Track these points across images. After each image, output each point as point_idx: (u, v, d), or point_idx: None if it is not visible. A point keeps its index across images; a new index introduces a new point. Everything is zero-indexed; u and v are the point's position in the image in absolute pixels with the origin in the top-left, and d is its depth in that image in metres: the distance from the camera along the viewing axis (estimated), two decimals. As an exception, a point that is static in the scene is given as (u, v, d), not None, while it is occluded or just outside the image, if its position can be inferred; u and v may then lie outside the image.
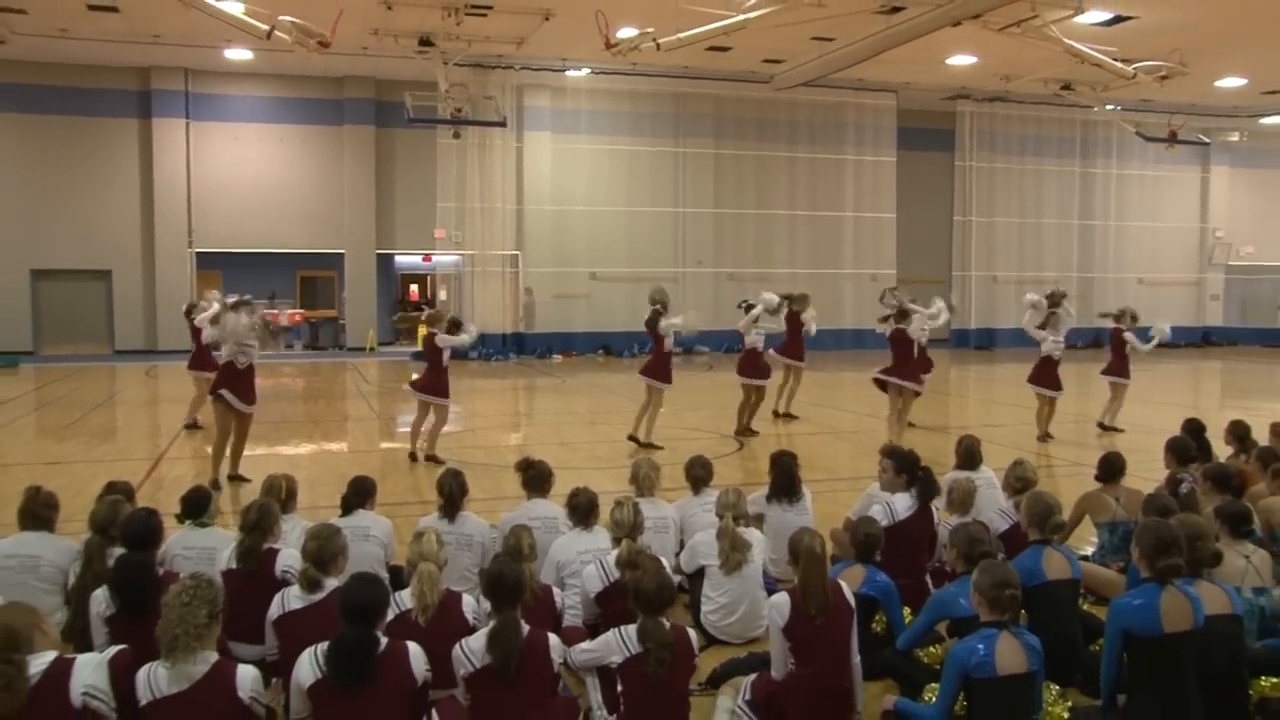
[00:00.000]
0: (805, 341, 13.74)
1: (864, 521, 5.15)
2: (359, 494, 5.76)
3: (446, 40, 19.84)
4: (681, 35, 17.26)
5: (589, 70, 24.61)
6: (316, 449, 12.02)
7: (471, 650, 3.85)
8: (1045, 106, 28.17)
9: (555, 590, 4.99)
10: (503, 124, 23.08)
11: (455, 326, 10.97)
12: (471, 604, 4.49)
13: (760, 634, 5.22)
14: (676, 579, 5.39)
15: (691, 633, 4.22)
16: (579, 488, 5.67)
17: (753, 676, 4.44)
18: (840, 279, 27.91)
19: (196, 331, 12.02)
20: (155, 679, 3.47)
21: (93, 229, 24.20)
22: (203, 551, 5.17)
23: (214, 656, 3.56)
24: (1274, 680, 4.42)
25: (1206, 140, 26.98)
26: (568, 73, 24.79)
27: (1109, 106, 25.55)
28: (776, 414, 13.59)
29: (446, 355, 10.72)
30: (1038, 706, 4.00)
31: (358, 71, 24.43)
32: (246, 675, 3.57)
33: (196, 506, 5.41)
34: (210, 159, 24.73)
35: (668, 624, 4.07)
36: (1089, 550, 6.58)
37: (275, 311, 9.78)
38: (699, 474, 6.48)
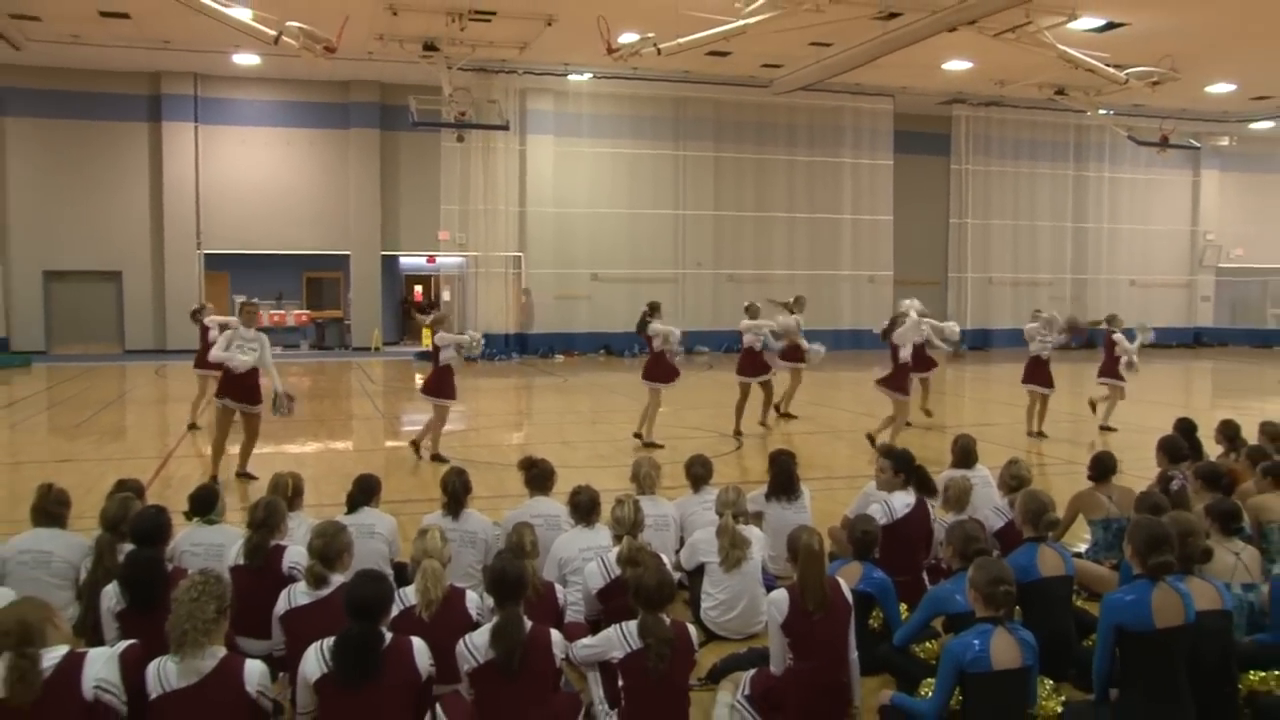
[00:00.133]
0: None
1: (861, 519, 5.15)
2: (364, 492, 5.77)
3: (450, 45, 19.83)
4: (682, 40, 17.26)
5: (591, 74, 24.61)
6: (322, 447, 12.03)
7: (475, 646, 3.85)
8: (1039, 111, 28.16)
9: (557, 587, 4.98)
10: (506, 127, 23.07)
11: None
12: (475, 600, 4.49)
13: (759, 630, 5.22)
14: (677, 576, 5.39)
15: (691, 628, 4.22)
16: (581, 486, 5.67)
17: (752, 671, 4.44)
18: (838, 280, 27.91)
19: (204, 331, 12.05)
20: (165, 673, 3.47)
21: (103, 231, 24.22)
22: (211, 548, 5.17)
23: (222, 651, 3.56)
24: (1262, 674, 4.43)
25: (1197, 144, 26.97)
26: (570, 77, 24.79)
27: (1102, 111, 25.54)
28: (779, 410, 13.60)
29: (446, 355, 10.71)
30: (1032, 701, 4.01)
31: (363, 76, 24.45)
32: (254, 670, 3.57)
33: (205, 504, 5.41)
34: (219, 162, 24.74)
35: (668, 620, 4.07)
36: (1082, 547, 6.58)
37: (291, 398, 9.84)
38: (699, 472, 6.48)
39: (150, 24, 19.68)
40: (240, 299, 9.90)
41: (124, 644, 3.73)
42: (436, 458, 10.41)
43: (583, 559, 5.23)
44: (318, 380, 20.07)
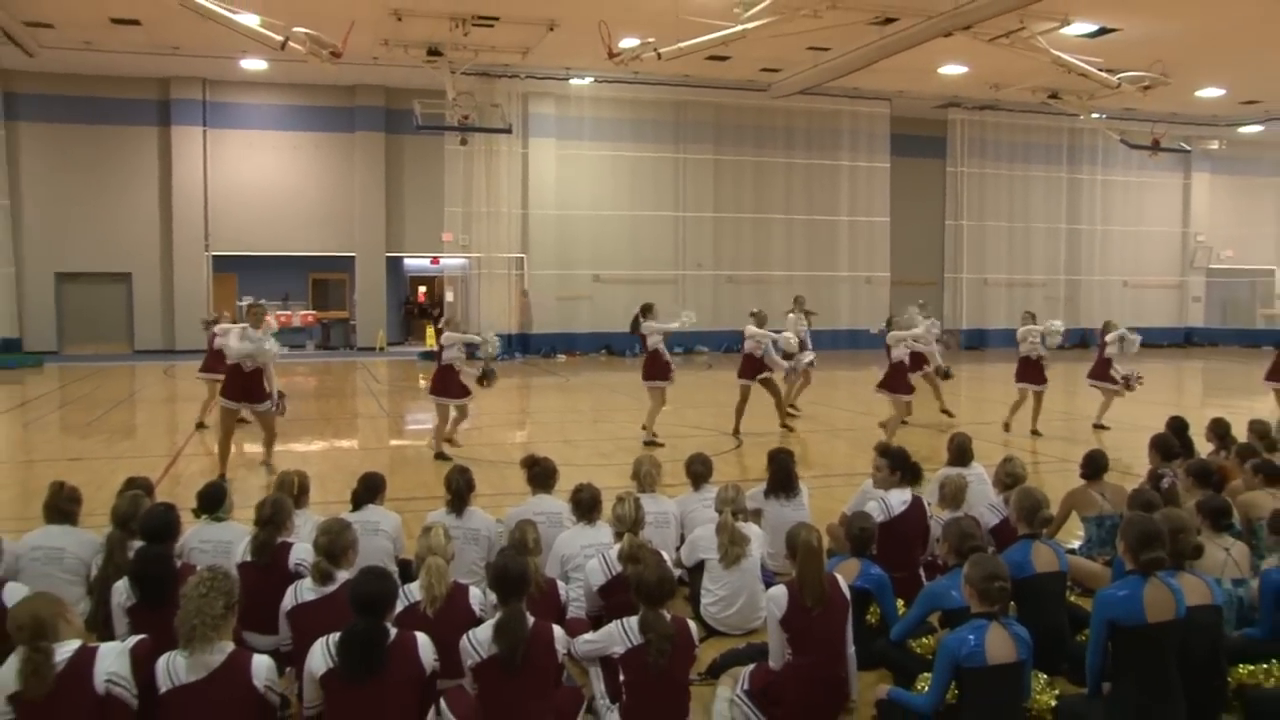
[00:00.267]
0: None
1: (859, 516, 5.15)
2: (369, 490, 5.76)
3: (454, 50, 19.83)
4: (682, 45, 17.25)
5: (592, 79, 24.59)
6: (328, 446, 12.02)
7: (478, 641, 3.85)
8: (1033, 115, 28.14)
9: (559, 583, 4.99)
10: (508, 131, 23.05)
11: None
12: (478, 596, 4.49)
13: (758, 625, 5.22)
14: (677, 572, 5.39)
15: (691, 624, 4.22)
16: (582, 484, 5.67)
17: (751, 666, 4.45)
18: (836, 281, 27.90)
19: (212, 338, 12.08)
20: (174, 667, 3.48)
21: (114, 233, 24.22)
22: (219, 545, 5.17)
23: (230, 646, 3.57)
24: (1251, 668, 4.45)
25: (1188, 148, 26.99)
26: (571, 81, 24.77)
27: (1094, 115, 25.54)
28: (791, 411, 13.68)
29: (449, 355, 10.74)
30: (1026, 694, 4.01)
31: (368, 80, 24.43)
32: (261, 665, 3.57)
33: (213, 501, 5.42)
34: (226, 165, 24.74)
35: (668, 616, 4.07)
36: (1076, 544, 6.57)
37: (283, 395, 9.96)
38: (699, 470, 6.48)
39: (160, 31, 19.70)
40: (247, 299, 9.92)
41: (134, 639, 3.74)
42: (440, 456, 10.41)
43: (584, 556, 5.23)
44: (324, 380, 20.07)
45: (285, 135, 25.22)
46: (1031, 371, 12.43)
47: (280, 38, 16.62)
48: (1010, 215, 30.02)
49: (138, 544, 4.75)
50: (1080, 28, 18.86)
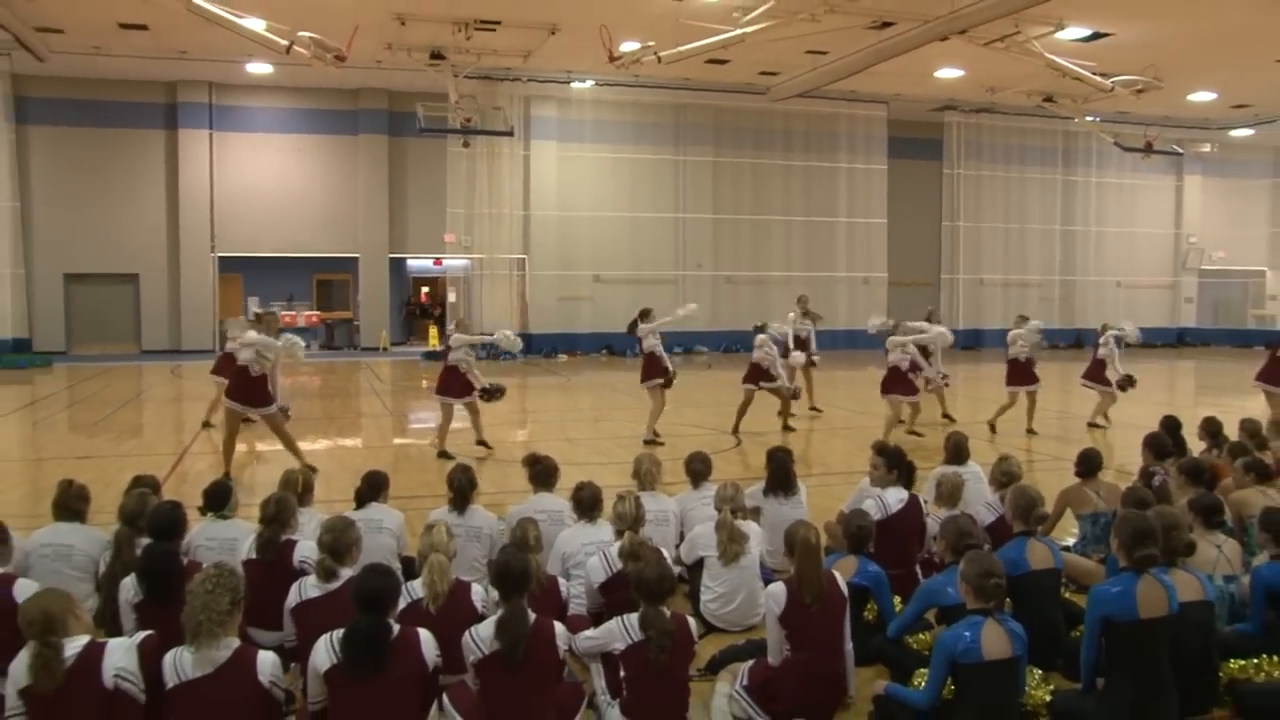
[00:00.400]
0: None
1: (856, 514, 5.15)
2: (372, 488, 5.77)
3: (457, 54, 19.81)
4: (682, 49, 17.24)
5: (593, 82, 24.58)
6: (332, 444, 12.01)
7: (481, 637, 3.85)
8: (1028, 118, 28.13)
9: (560, 580, 4.99)
10: (510, 133, 23.04)
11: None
12: (480, 593, 4.49)
13: (757, 622, 5.22)
14: (677, 570, 5.39)
15: (691, 621, 4.23)
16: (583, 482, 5.67)
17: (750, 662, 4.45)
18: (834, 282, 27.87)
19: (223, 341, 12.06)
20: (181, 663, 3.48)
21: (121, 235, 24.22)
22: (224, 542, 5.18)
23: (236, 642, 3.57)
24: (1242, 663, 4.46)
25: (1180, 151, 26.97)
26: (573, 84, 24.76)
27: (1088, 118, 25.54)
28: (807, 414, 13.82)
29: (455, 356, 10.73)
30: (1021, 690, 4.01)
31: (372, 84, 24.41)
32: (267, 660, 3.57)
33: (218, 499, 5.42)
34: (232, 168, 24.73)
35: (668, 612, 4.07)
36: (1070, 541, 6.58)
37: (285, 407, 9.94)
38: (698, 469, 6.47)
39: (168, 35, 19.70)
40: (253, 302, 9.94)
41: (142, 634, 3.75)
42: (443, 454, 10.40)
43: (585, 553, 5.23)
44: (328, 379, 20.08)
45: (290, 138, 25.21)
46: (1022, 374, 12.42)
47: (285, 42, 16.62)
48: (1006, 216, 30.01)
49: (145, 541, 4.75)
50: (1074, 32, 18.86)
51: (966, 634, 3.79)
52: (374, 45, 19.70)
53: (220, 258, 24.81)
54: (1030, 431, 12.22)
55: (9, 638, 3.66)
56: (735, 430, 12.06)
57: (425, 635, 3.79)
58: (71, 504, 5.29)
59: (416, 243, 26.06)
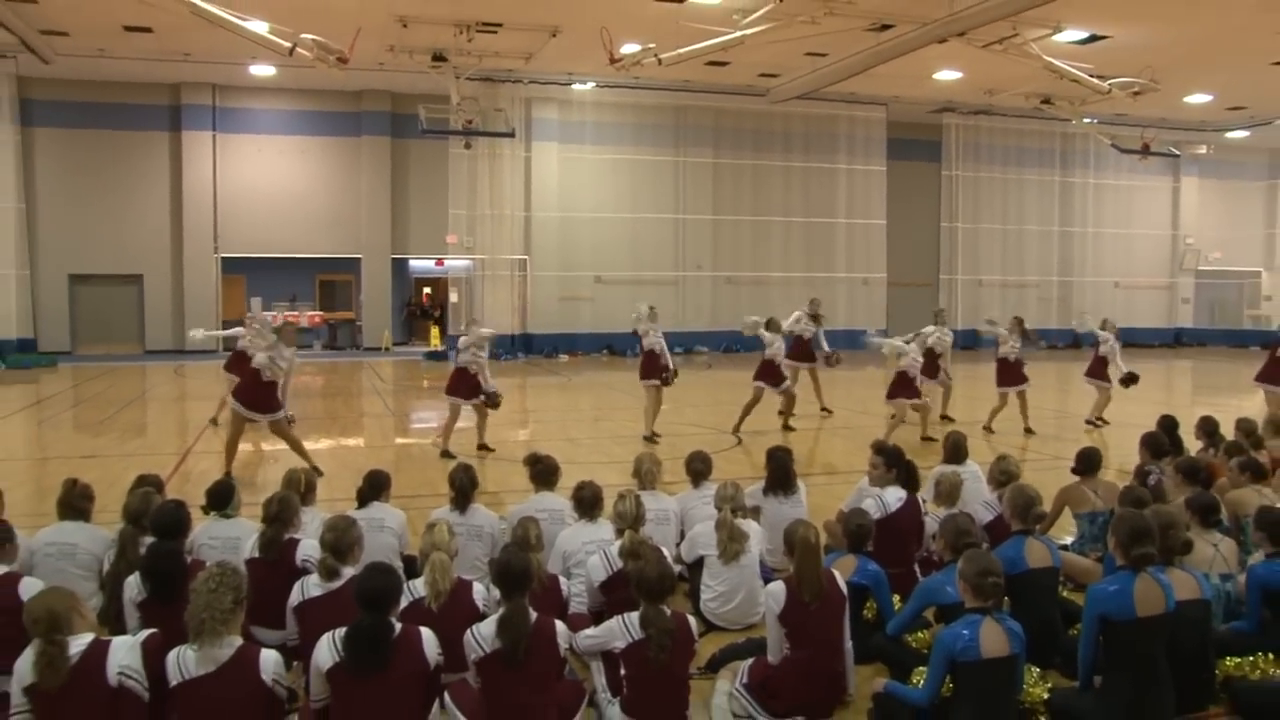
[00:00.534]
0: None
1: (856, 513, 5.14)
2: (374, 487, 5.76)
3: (458, 56, 19.80)
4: (682, 51, 17.23)
5: (594, 84, 24.57)
6: (334, 444, 12.01)
7: (482, 636, 3.85)
8: (1026, 119, 28.11)
9: (561, 579, 4.99)
10: (512, 135, 23.03)
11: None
12: (482, 592, 4.49)
13: (757, 620, 5.21)
14: (677, 568, 5.38)
15: (691, 619, 4.22)
16: (584, 481, 5.67)
17: (750, 660, 4.45)
18: (833, 282, 27.83)
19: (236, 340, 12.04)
20: (184, 661, 3.48)
21: (125, 236, 24.22)
22: (227, 541, 5.18)
23: (239, 641, 3.57)
24: (1238, 660, 4.46)
25: (1177, 153, 26.97)
26: (574, 86, 24.75)
27: (1086, 120, 25.52)
28: (824, 408, 13.87)
29: (463, 357, 10.76)
30: (1019, 688, 4.01)
31: (374, 86, 24.41)
32: (269, 659, 3.57)
33: (221, 498, 5.42)
34: (235, 169, 24.73)
35: (669, 611, 4.07)
36: (1068, 540, 6.57)
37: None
38: (698, 468, 6.47)
39: (172, 37, 19.70)
40: (256, 302, 9.92)
41: (145, 633, 3.75)
42: (445, 454, 10.40)
43: (586, 552, 5.22)
44: (330, 379, 20.08)
45: (293, 139, 25.20)
46: (1011, 374, 12.40)
47: (288, 44, 16.62)
48: (1004, 218, 30.01)
49: (149, 540, 4.75)
50: (1072, 34, 18.85)
51: (965, 632, 3.78)
52: (376, 47, 19.70)
53: (223, 258, 24.82)
54: (1029, 431, 12.21)
55: (14, 636, 3.67)
56: (737, 429, 12.04)
57: (427, 634, 3.79)
58: (76, 503, 5.29)
59: (418, 243, 26.06)
